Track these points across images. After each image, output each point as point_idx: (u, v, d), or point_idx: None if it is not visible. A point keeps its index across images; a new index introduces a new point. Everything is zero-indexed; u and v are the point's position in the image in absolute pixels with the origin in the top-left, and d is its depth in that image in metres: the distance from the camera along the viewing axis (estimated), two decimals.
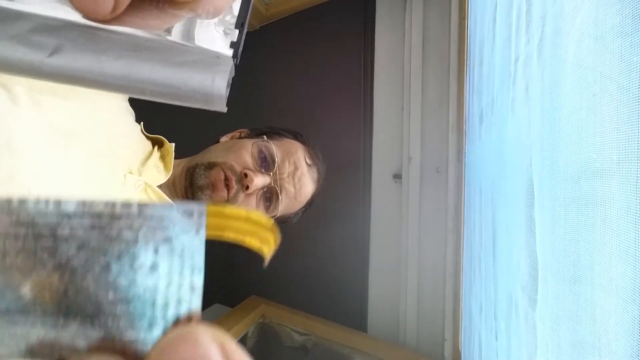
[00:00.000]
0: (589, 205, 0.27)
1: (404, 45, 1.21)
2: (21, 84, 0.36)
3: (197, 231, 0.10)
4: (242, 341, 1.24)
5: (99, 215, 0.10)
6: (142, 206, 0.10)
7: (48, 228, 0.09)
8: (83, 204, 0.10)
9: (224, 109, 0.15)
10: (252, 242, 0.12)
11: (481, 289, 0.71)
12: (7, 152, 0.32)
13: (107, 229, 0.10)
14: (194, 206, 0.10)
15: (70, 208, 0.10)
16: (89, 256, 0.10)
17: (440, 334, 1.11)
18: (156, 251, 0.10)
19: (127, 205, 0.10)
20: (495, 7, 0.58)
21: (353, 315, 1.26)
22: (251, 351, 1.25)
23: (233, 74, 0.15)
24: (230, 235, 0.11)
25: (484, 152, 0.71)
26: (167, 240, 0.10)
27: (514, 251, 0.45)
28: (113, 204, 0.10)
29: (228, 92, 0.15)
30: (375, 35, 1.27)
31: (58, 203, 0.10)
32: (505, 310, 0.49)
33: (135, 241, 0.10)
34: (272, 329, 1.29)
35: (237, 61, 0.16)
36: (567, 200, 0.29)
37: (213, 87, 0.14)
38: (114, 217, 0.10)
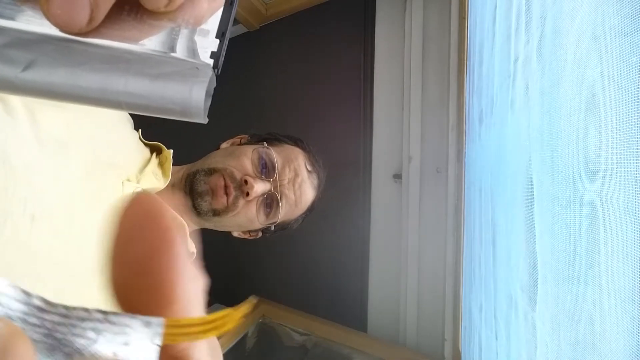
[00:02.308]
0: (588, 205, 0.27)
1: (404, 45, 1.21)
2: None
3: (152, 340, 0.11)
4: (242, 341, 1.24)
5: (66, 315, 0.11)
6: (108, 314, 0.11)
7: (20, 313, 0.10)
8: (51, 304, 0.11)
9: (204, 121, 0.15)
10: (212, 336, 0.13)
11: (481, 289, 0.71)
12: (1, 164, 0.32)
13: (73, 327, 0.11)
14: (152, 318, 0.11)
15: (40, 303, 0.11)
16: (54, 344, 0.10)
17: (440, 334, 1.11)
18: (115, 353, 0.11)
19: (95, 310, 0.11)
20: (495, 7, 0.58)
21: (353, 315, 1.26)
22: (251, 351, 1.25)
23: (214, 84, 0.15)
24: (187, 340, 0.12)
25: (484, 152, 0.71)
26: (126, 343, 0.11)
27: (514, 251, 0.45)
28: (84, 309, 0.11)
29: (209, 103, 0.15)
30: (375, 36, 1.27)
31: (29, 296, 0.11)
32: (505, 310, 0.49)
33: (96, 341, 0.11)
34: (272, 329, 1.29)
35: (218, 71, 0.16)
36: (567, 200, 0.29)
37: (191, 99, 0.14)
38: (80, 318, 0.11)
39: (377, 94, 1.27)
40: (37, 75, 0.13)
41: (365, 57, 1.28)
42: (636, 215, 0.21)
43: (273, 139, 0.65)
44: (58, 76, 0.13)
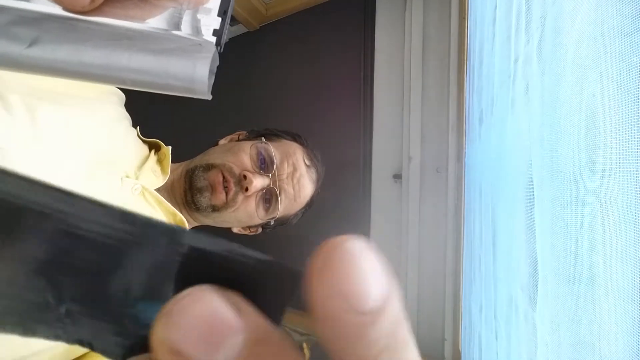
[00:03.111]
0: (589, 205, 0.27)
1: (404, 45, 1.21)
2: (17, 92, 0.36)
3: None
4: None
5: None
6: None
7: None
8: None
9: (208, 97, 0.15)
10: None
11: (481, 289, 0.71)
12: (0, 161, 0.32)
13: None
14: None
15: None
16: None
17: (440, 334, 1.11)
18: None
19: None
20: (495, 7, 0.58)
21: None
22: None
23: (217, 63, 0.15)
24: None
25: (484, 152, 0.71)
26: None
27: (514, 251, 0.45)
28: None
29: (212, 81, 0.14)
30: (375, 35, 1.27)
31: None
32: (505, 310, 0.49)
33: None
34: None
35: (220, 49, 0.16)
36: (567, 200, 0.29)
37: (195, 74, 0.14)
38: None
39: (377, 94, 1.27)
40: (42, 51, 0.13)
41: (365, 57, 1.28)
42: (636, 215, 0.21)
43: (271, 135, 0.65)
44: (62, 52, 0.13)
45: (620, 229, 0.22)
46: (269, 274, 0.10)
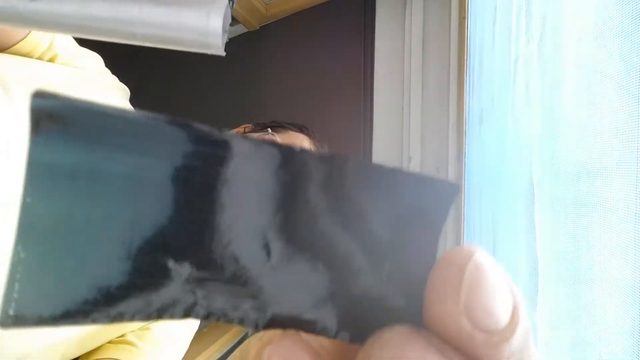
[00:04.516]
0: (589, 205, 0.27)
1: (404, 45, 1.21)
2: (21, 82, 0.36)
3: None
4: (243, 340, 1.23)
5: None
6: None
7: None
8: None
9: (222, 52, 0.14)
10: None
11: None
12: (5, 152, 0.32)
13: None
14: None
15: None
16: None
17: None
18: None
19: None
20: (495, 7, 0.58)
21: None
22: None
23: (229, 20, 0.14)
24: None
25: (484, 152, 0.71)
26: None
27: (514, 251, 0.45)
28: None
29: (226, 38, 0.14)
30: (375, 35, 1.27)
31: None
32: None
33: None
34: None
35: (233, 4, 0.15)
36: (567, 200, 0.29)
37: (208, 26, 0.13)
38: None
39: (377, 94, 1.27)
40: (48, 5, 0.12)
41: (365, 57, 1.28)
42: (636, 215, 0.21)
43: (277, 126, 0.65)
44: (69, 6, 0.12)
45: (620, 229, 0.22)
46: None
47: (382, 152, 1.26)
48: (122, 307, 0.07)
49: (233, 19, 1.37)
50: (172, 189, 0.07)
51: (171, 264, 0.08)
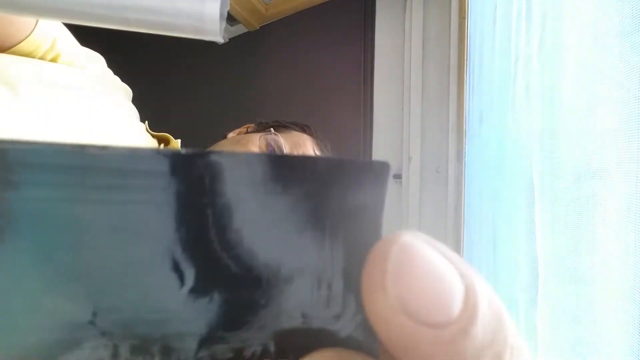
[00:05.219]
0: (589, 205, 0.26)
1: (404, 45, 1.21)
2: (26, 81, 0.36)
3: None
4: None
5: None
6: None
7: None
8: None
9: (219, 39, 0.13)
10: None
11: None
12: None
13: None
14: None
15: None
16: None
17: None
18: None
19: None
20: (495, 7, 0.58)
21: None
22: None
23: (227, 7, 0.14)
24: None
25: (484, 152, 0.71)
26: None
27: (514, 251, 0.45)
28: None
29: (224, 25, 0.13)
30: (375, 35, 1.27)
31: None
32: None
33: None
34: None
35: None
36: (567, 200, 0.29)
37: (204, 11, 0.13)
38: None
39: (377, 94, 1.27)
40: None
41: (365, 57, 1.28)
42: (636, 215, 0.21)
43: (280, 126, 0.65)
44: None
45: (620, 229, 0.22)
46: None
47: (382, 152, 1.26)
48: None
49: (233, 19, 1.37)
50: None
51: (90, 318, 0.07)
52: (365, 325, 0.07)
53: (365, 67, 1.28)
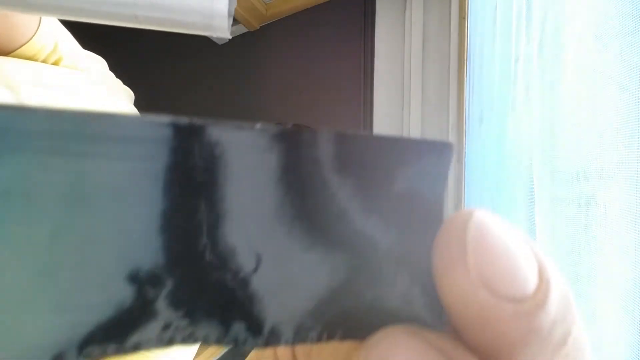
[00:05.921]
0: (589, 205, 0.27)
1: (404, 45, 1.21)
2: (28, 84, 0.36)
3: None
4: None
5: None
6: None
7: None
8: None
9: (227, 35, 0.13)
10: None
11: None
12: None
13: None
14: None
15: None
16: None
17: None
18: None
19: None
20: (495, 7, 0.58)
21: None
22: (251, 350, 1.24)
23: (235, 4, 0.14)
24: None
25: (484, 152, 0.71)
26: None
27: None
28: None
29: (231, 22, 0.13)
30: (375, 36, 1.27)
31: None
32: None
33: None
34: None
35: None
36: (567, 200, 0.29)
37: (213, 7, 0.13)
38: None
39: (377, 94, 1.27)
40: None
41: (365, 57, 1.28)
42: (637, 215, 0.21)
43: None
44: None
45: (620, 229, 0.22)
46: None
47: None
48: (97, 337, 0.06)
49: (233, 19, 1.37)
50: (146, 191, 0.06)
51: (148, 289, 0.06)
52: (432, 306, 0.07)
53: (365, 67, 1.27)
